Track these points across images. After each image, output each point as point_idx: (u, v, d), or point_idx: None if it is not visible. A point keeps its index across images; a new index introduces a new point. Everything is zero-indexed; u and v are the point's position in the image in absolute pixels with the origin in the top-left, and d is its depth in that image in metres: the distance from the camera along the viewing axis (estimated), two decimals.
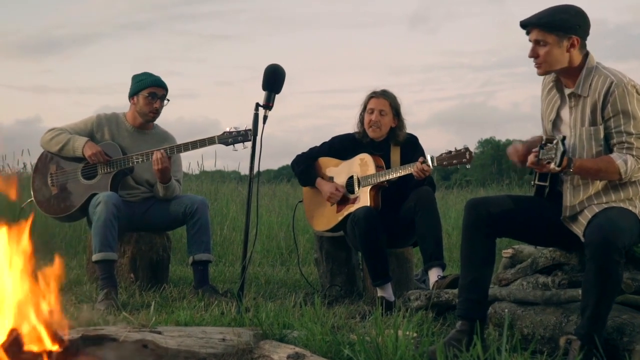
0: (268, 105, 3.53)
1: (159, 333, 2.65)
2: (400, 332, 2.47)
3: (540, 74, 2.98)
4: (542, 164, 2.73)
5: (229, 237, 6.72)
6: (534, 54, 2.89)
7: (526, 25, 2.89)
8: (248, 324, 2.98)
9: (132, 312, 3.59)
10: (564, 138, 2.76)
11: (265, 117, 3.52)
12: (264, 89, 3.52)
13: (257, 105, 3.52)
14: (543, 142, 2.78)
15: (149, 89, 4.39)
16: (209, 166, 9.77)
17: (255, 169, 3.60)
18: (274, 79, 3.53)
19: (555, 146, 2.69)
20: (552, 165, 2.68)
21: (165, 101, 4.45)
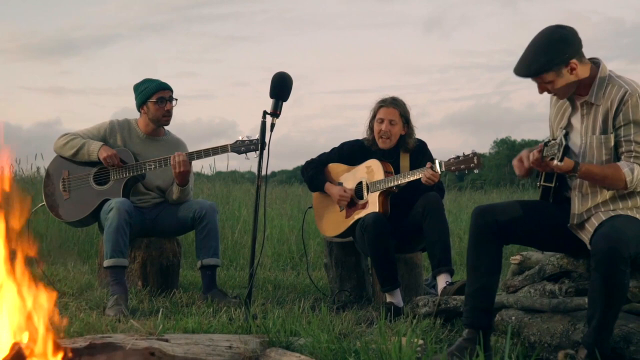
0: (276, 113, 3.54)
1: (166, 341, 2.67)
2: (404, 340, 2.48)
3: (561, 99, 2.97)
4: (546, 161, 2.73)
5: (240, 241, 6.74)
6: (545, 91, 2.88)
7: (522, 76, 2.86)
8: (255, 331, 3.00)
9: (141, 317, 3.62)
10: (566, 133, 2.76)
11: (272, 125, 3.53)
12: (271, 96, 3.53)
13: (265, 113, 3.54)
14: (548, 141, 2.79)
15: (156, 95, 4.42)
16: (221, 167, 9.74)
17: (264, 175, 3.63)
18: (281, 87, 3.54)
19: (558, 142, 2.69)
20: (555, 162, 2.68)
21: (174, 101, 4.49)
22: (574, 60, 2.80)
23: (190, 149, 4.45)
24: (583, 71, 2.84)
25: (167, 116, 4.47)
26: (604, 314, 2.61)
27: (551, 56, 2.78)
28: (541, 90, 2.88)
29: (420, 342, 3.03)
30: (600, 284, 2.60)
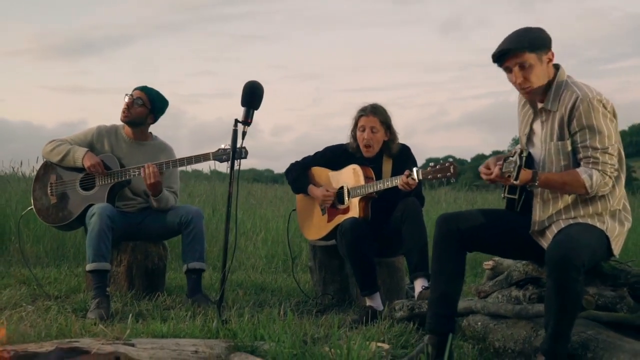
0: (247, 121, 3.59)
1: (132, 345, 2.73)
2: (355, 345, 2.52)
3: (529, 99, 2.98)
4: (505, 177, 2.77)
5: (236, 243, 6.79)
6: (522, 79, 2.85)
7: (507, 52, 2.84)
8: (224, 335, 3.06)
9: (122, 320, 3.70)
10: (521, 152, 2.80)
11: (244, 133, 3.59)
12: (242, 105, 3.58)
13: (236, 121, 3.60)
14: (510, 155, 2.82)
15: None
16: (221, 167, 9.73)
17: (245, 175, 3.68)
18: (252, 95, 3.59)
19: (514, 160, 2.73)
20: (511, 180, 2.73)
21: (125, 96, 4.52)
22: (552, 51, 2.86)
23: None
24: (550, 70, 2.89)
25: (123, 111, 4.53)
26: (559, 320, 2.65)
27: (539, 37, 2.84)
28: (520, 78, 2.84)
29: (387, 347, 3.09)
30: (554, 291, 2.64)
